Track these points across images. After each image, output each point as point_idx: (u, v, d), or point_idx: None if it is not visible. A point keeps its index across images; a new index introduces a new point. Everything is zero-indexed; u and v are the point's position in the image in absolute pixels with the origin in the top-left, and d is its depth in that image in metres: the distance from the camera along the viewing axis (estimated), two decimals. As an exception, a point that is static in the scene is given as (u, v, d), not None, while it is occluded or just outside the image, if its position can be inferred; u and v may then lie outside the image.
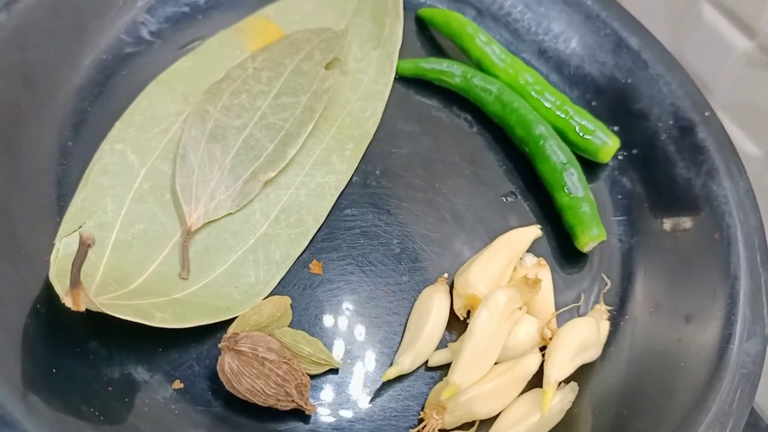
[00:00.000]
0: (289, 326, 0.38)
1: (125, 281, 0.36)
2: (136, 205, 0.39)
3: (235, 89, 0.42)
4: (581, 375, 0.38)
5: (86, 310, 0.33)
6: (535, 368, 0.37)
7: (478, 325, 0.36)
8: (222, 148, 0.40)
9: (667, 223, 0.44)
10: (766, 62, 0.48)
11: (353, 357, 0.38)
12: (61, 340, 0.35)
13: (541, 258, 0.41)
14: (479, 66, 0.48)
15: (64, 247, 0.36)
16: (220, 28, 0.47)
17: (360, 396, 0.37)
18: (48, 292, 0.35)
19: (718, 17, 0.50)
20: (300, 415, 0.35)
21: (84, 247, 0.30)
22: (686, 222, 0.44)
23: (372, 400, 0.37)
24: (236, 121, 0.41)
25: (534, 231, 0.42)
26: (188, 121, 0.41)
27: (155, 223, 0.39)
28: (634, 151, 0.47)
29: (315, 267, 0.40)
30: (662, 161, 0.46)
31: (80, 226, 0.37)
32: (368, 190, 0.44)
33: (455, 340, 0.39)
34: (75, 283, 0.31)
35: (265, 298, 0.38)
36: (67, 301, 0.32)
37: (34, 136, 0.40)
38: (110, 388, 0.34)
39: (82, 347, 0.35)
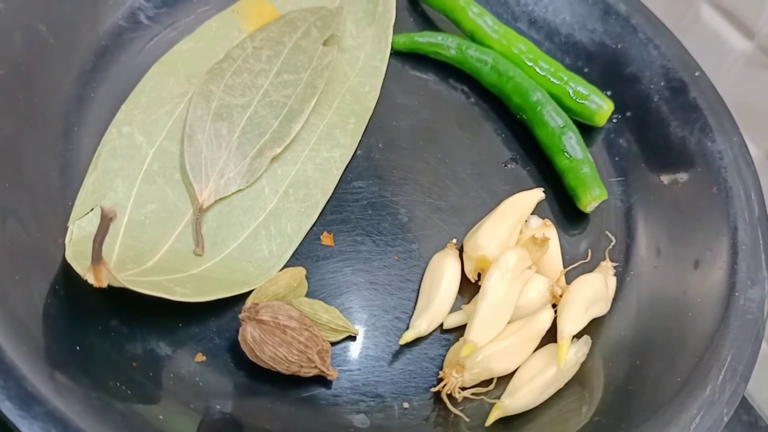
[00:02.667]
0: (305, 297, 0.38)
1: (141, 260, 0.36)
2: (146, 185, 0.39)
3: (237, 68, 0.42)
4: (593, 330, 0.39)
5: (107, 287, 0.33)
6: (548, 324, 0.38)
7: (490, 284, 0.37)
8: (228, 126, 0.41)
9: (665, 181, 0.45)
10: (764, 63, 0.49)
11: (370, 323, 0.39)
12: (82, 319, 0.35)
13: (546, 219, 0.42)
14: (473, 38, 0.49)
15: (77, 229, 0.36)
16: (216, 10, 0.47)
17: (379, 360, 0.37)
18: (65, 274, 0.35)
19: (717, 18, 0.51)
20: (322, 381, 0.36)
21: (106, 220, 0.30)
22: (683, 178, 0.45)
23: (391, 363, 0.38)
24: (240, 99, 0.42)
25: (538, 193, 0.43)
26: (193, 102, 0.41)
27: (167, 203, 0.39)
28: (628, 114, 0.48)
29: (326, 239, 0.41)
30: (656, 121, 0.47)
31: (92, 209, 0.37)
32: (373, 163, 0.44)
33: (468, 303, 0.40)
34: (97, 258, 0.31)
35: (281, 270, 0.38)
36: (90, 278, 0.32)
37: (39, 122, 0.40)
38: (134, 364, 0.34)
39: (103, 326, 0.35)
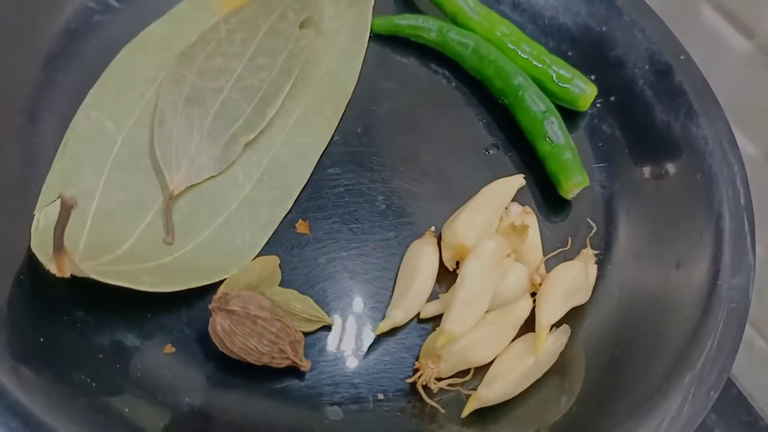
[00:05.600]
0: (279, 286, 0.37)
1: (109, 249, 0.35)
2: (115, 172, 0.38)
3: (210, 52, 0.41)
4: (573, 319, 0.38)
5: (71, 278, 0.32)
6: (526, 313, 0.37)
7: (468, 273, 0.36)
8: (200, 111, 0.40)
9: (649, 167, 0.44)
10: (764, 63, 0.48)
11: (345, 313, 0.38)
12: (47, 310, 0.34)
13: (526, 206, 0.41)
14: (454, 20, 0.48)
15: (44, 217, 0.35)
16: (190, -8, 0.46)
17: (354, 351, 0.37)
18: (30, 263, 0.34)
19: (717, 18, 0.50)
20: (295, 372, 0.35)
21: (66, 209, 0.29)
22: (668, 164, 0.44)
23: (366, 354, 0.37)
24: (212, 83, 0.41)
25: (518, 180, 0.42)
26: (163, 86, 0.40)
27: (136, 190, 0.38)
28: (612, 98, 0.47)
29: (302, 226, 0.40)
30: (640, 106, 0.46)
31: (59, 197, 0.36)
32: (350, 149, 0.43)
33: (446, 292, 0.39)
34: (59, 247, 0.30)
35: (254, 260, 0.38)
36: (52, 268, 0.31)
37: (4, 108, 0.39)
38: (101, 356, 0.34)
39: (69, 316, 0.34)
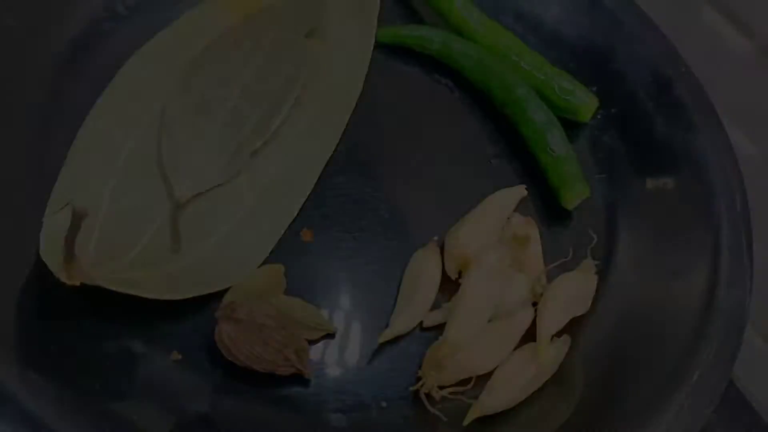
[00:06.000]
0: (283, 294, 0.38)
1: (117, 257, 0.36)
2: (122, 180, 0.38)
3: (217, 60, 0.42)
4: (573, 328, 0.39)
5: (80, 285, 0.32)
6: (528, 323, 0.38)
7: (470, 283, 0.37)
8: (207, 120, 0.40)
9: (649, 179, 0.45)
10: (764, 63, 0.48)
11: (349, 321, 0.38)
12: (54, 316, 0.34)
13: (528, 217, 0.42)
14: (458, 31, 0.49)
15: (53, 225, 0.36)
16: (198, 0, 0.46)
17: (358, 359, 0.37)
18: (39, 270, 0.34)
19: (718, 18, 0.50)
20: (299, 380, 0.36)
21: (77, 219, 0.30)
22: (667, 177, 0.45)
23: (370, 362, 0.37)
24: (220, 92, 0.41)
25: (520, 191, 0.42)
26: (171, 94, 0.40)
27: (143, 198, 0.38)
28: (614, 110, 0.48)
29: (306, 235, 0.40)
30: (641, 118, 0.47)
31: (68, 204, 0.37)
32: (354, 158, 0.44)
33: (448, 301, 0.39)
34: (69, 256, 0.31)
35: (258, 267, 0.38)
36: (62, 276, 0.32)
37: (15, 115, 0.39)
38: (108, 362, 0.34)
39: (76, 323, 0.35)
